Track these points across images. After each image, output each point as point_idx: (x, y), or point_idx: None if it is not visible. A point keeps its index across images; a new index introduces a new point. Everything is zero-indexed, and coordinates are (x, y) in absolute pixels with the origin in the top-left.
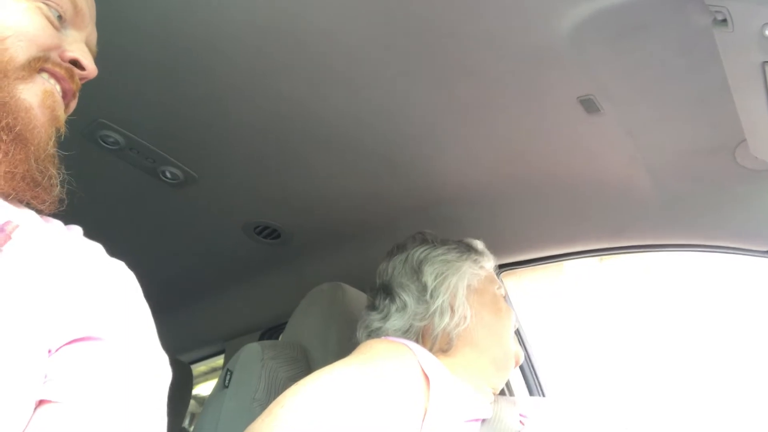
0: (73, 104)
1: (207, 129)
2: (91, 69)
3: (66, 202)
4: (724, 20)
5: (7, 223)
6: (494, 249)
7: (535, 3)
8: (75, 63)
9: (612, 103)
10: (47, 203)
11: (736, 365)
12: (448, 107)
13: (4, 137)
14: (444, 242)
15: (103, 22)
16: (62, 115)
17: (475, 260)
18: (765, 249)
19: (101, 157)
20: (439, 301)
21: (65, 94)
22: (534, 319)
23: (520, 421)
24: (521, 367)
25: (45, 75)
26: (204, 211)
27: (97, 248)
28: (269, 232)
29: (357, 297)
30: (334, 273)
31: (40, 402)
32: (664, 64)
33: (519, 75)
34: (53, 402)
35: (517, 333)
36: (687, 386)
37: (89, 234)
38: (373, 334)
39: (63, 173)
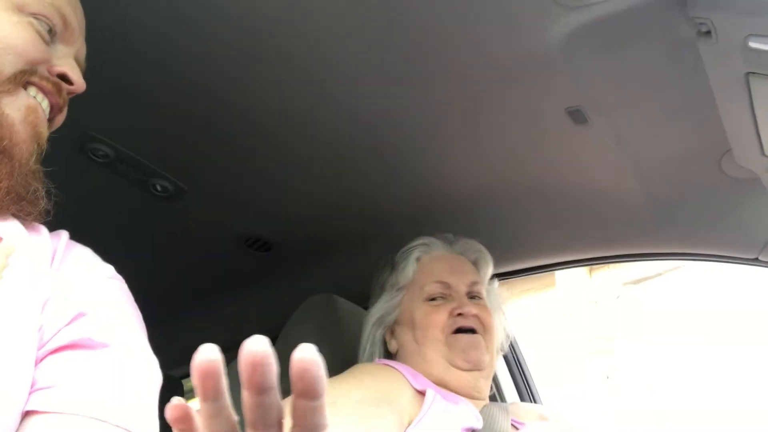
0: (60, 118)
1: (197, 141)
2: (79, 83)
3: (52, 213)
4: (708, 32)
5: None
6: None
7: (524, 13)
8: (63, 77)
9: (600, 113)
10: (33, 215)
11: (731, 371)
12: (437, 117)
13: None
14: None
15: (92, 36)
16: (44, 131)
17: (390, 287)
18: (752, 257)
19: (91, 170)
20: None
21: (52, 109)
22: (525, 328)
23: (515, 426)
24: (513, 375)
25: (32, 90)
26: (195, 223)
27: (84, 252)
28: (260, 245)
29: (349, 308)
30: (326, 284)
31: (27, 413)
32: (651, 74)
33: (508, 84)
34: (40, 412)
35: (511, 346)
36: (678, 395)
37: None
38: None
39: (49, 186)
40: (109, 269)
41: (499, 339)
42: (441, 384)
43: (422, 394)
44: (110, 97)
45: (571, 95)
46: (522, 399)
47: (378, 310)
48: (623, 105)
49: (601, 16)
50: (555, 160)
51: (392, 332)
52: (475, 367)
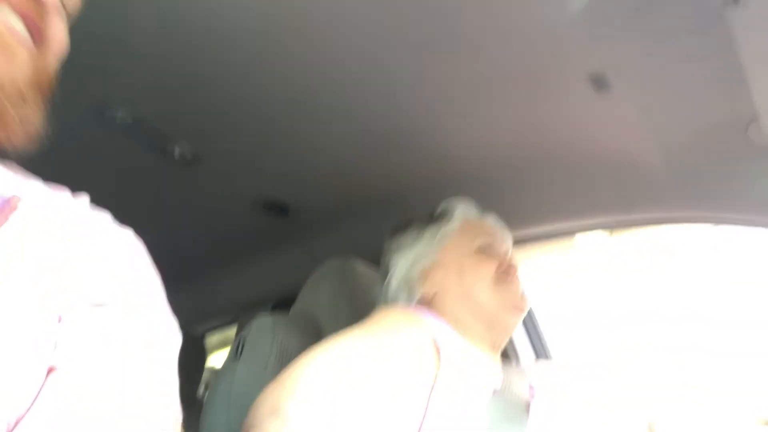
0: (49, 50)
1: (214, 106)
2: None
3: (71, 178)
4: None
5: (13, 196)
6: (505, 223)
7: None
8: None
9: (624, 80)
10: (19, 138)
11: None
12: (459, 83)
13: None
14: (408, 224)
15: (111, 3)
16: (22, 56)
17: (432, 235)
18: None
19: (109, 136)
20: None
21: (32, 33)
22: (545, 293)
23: (530, 393)
24: (529, 335)
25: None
26: (213, 188)
27: (104, 217)
28: (278, 209)
29: (365, 272)
30: (342, 249)
31: (50, 369)
32: (678, 41)
33: (528, 50)
34: (61, 369)
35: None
36: (695, 361)
37: None
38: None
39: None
40: (128, 233)
41: None
42: (489, 325)
43: (439, 349)
44: (129, 64)
45: (594, 62)
46: (537, 355)
47: (415, 251)
48: (648, 72)
49: None
50: (578, 125)
51: (426, 276)
52: (523, 311)
